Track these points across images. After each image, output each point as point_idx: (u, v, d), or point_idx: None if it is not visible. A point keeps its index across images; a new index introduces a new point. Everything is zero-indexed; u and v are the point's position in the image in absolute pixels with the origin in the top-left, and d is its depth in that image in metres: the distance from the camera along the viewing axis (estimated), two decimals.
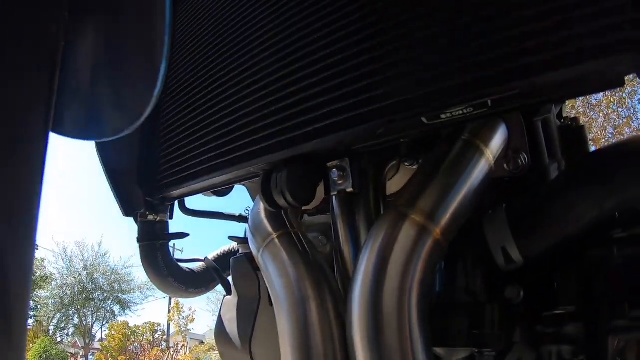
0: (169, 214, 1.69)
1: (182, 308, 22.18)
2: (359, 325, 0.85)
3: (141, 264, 1.69)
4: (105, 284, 29.15)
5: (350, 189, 1.01)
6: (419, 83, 0.83)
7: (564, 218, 0.97)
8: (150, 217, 1.61)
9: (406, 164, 1.22)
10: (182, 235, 1.75)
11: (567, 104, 1.33)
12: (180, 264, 1.79)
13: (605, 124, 11.62)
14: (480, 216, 1.08)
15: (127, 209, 1.59)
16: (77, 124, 0.88)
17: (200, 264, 1.88)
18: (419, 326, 0.85)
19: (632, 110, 11.72)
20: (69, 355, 27.79)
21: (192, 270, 1.83)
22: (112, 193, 1.60)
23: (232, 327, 1.57)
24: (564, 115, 1.38)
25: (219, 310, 1.68)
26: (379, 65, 0.88)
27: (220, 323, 1.63)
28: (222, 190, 1.85)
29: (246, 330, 1.50)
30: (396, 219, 0.90)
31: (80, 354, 29.29)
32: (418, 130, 0.92)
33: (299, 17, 1.02)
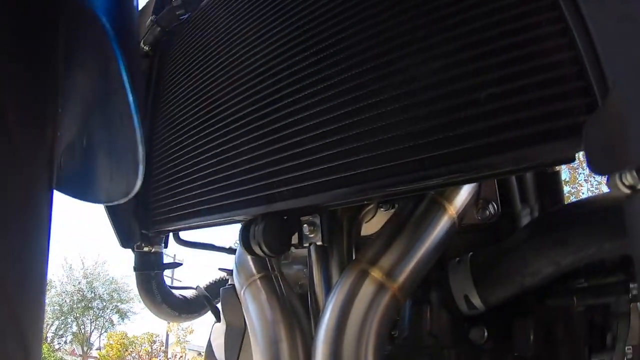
0: (163, 244, 1.79)
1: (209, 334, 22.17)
2: None
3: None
4: (105, 292, 29.17)
5: (319, 242, 1.09)
6: (385, 156, 0.84)
7: (520, 272, 1.04)
8: (146, 249, 1.72)
9: (382, 208, 1.28)
10: (175, 265, 1.87)
11: None
12: (173, 291, 1.90)
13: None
14: (447, 263, 1.16)
15: (124, 241, 1.67)
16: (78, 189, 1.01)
17: (193, 291, 1.99)
18: None
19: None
20: None
21: (184, 297, 1.94)
22: (110, 226, 1.70)
23: (220, 353, 1.68)
24: None
25: (209, 335, 1.79)
26: (350, 134, 0.90)
27: (209, 348, 1.75)
28: None
29: (232, 356, 1.61)
30: (358, 275, 1.00)
31: None
32: (380, 194, 0.94)
33: (280, 84, 1.06)
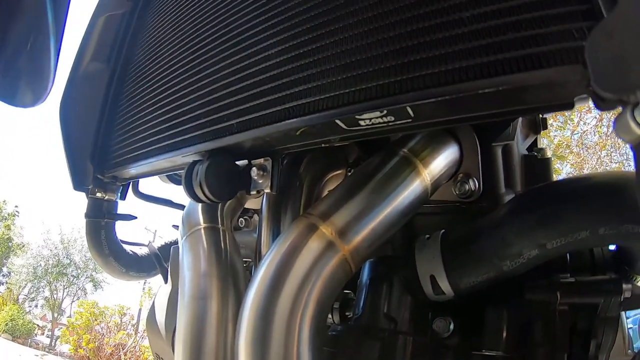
0: (118, 194, 1.68)
1: (154, 294, 22.02)
2: (245, 330, 0.80)
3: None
4: (80, 260, 29.00)
5: (267, 190, 0.97)
6: (333, 84, 0.79)
7: (499, 254, 0.88)
8: (99, 195, 1.60)
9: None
10: (129, 218, 1.74)
11: (554, 141, 1.26)
12: (125, 246, 1.78)
13: (597, 167, 11.64)
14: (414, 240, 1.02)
15: (77, 183, 1.58)
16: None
17: (146, 249, 1.86)
18: (308, 346, 0.80)
19: (625, 157, 11.75)
20: (36, 327, 27.57)
21: (135, 254, 1.81)
22: (66, 165, 1.60)
23: (160, 316, 1.55)
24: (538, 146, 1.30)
25: (153, 297, 1.67)
26: (297, 65, 0.85)
27: (152, 310, 1.62)
28: (178, 179, 1.86)
29: (172, 321, 1.48)
30: (305, 229, 0.85)
31: (48, 328, 29.07)
32: (338, 135, 0.87)
33: (230, 14, 1.02)
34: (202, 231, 1.11)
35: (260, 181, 0.98)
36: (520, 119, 1.11)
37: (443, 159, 0.97)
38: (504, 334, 0.94)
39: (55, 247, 28.60)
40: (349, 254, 0.84)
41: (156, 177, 1.85)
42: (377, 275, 1.04)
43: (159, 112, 1.21)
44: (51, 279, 28.50)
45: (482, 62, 0.63)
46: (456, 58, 0.65)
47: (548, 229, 0.83)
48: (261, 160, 0.99)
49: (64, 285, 29.34)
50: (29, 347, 24.86)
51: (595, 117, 11.22)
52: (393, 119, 0.76)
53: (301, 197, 1.13)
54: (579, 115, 10.89)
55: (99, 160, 1.56)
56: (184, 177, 1.01)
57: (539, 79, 0.59)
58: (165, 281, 1.65)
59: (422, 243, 0.99)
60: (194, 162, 1.02)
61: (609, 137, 11.41)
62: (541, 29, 0.59)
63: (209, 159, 0.98)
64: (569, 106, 0.63)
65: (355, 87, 0.76)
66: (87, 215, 1.64)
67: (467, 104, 0.70)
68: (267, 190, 0.97)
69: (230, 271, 1.05)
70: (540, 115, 1.28)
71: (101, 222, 1.64)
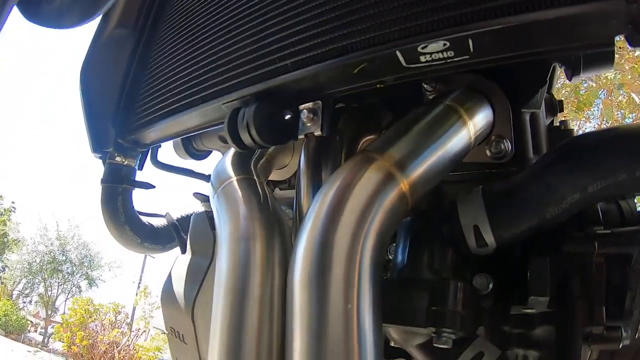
0: (137, 161, 1.63)
1: (149, 293, 21.91)
2: (301, 264, 0.76)
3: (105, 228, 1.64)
4: (76, 257, 28.90)
5: (318, 132, 0.94)
6: (397, 20, 0.79)
7: (542, 200, 0.89)
8: (118, 159, 1.55)
9: None
10: (147, 186, 1.68)
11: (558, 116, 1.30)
12: (141, 217, 1.73)
13: None
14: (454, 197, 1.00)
15: (97, 146, 1.54)
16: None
17: (162, 221, 1.80)
18: (369, 279, 0.75)
19: None
20: (29, 323, 27.44)
21: (151, 225, 1.75)
22: (85, 128, 1.55)
23: (179, 287, 1.49)
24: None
25: (171, 267, 1.61)
26: (361, 4, 0.84)
27: (168, 281, 1.55)
28: (198, 153, 1.80)
29: (192, 290, 1.42)
30: (362, 162, 0.82)
31: (41, 325, 28.94)
32: (396, 75, 0.86)
33: None
34: (236, 182, 1.04)
35: (309, 124, 0.95)
36: (544, 92, 1.13)
37: (482, 116, 0.99)
38: (549, 285, 0.91)
39: (51, 243, 28.48)
40: (408, 188, 0.81)
41: (173, 153, 1.80)
42: (417, 230, 1.02)
43: (195, 64, 1.17)
44: (46, 276, 28.36)
45: None
46: None
47: (589, 172, 0.86)
48: (310, 104, 0.96)
49: (58, 282, 29.20)
50: (22, 343, 24.70)
51: (595, 127, 11.26)
52: (453, 54, 0.77)
53: (342, 152, 1.09)
54: (577, 124, 10.88)
55: (121, 123, 1.52)
56: (228, 122, 0.97)
57: (587, 10, 0.65)
58: (183, 251, 1.59)
59: (463, 197, 0.98)
60: (237, 108, 0.98)
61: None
62: None
63: (255, 102, 0.94)
64: (610, 44, 0.70)
65: (421, 20, 0.77)
66: (104, 181, 1.59)
67: (522, 39, 0.75)
68: (318, 133, 0.94)
69: (273, 215, 0.98)
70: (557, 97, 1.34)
71: (119, 188, 1.59)
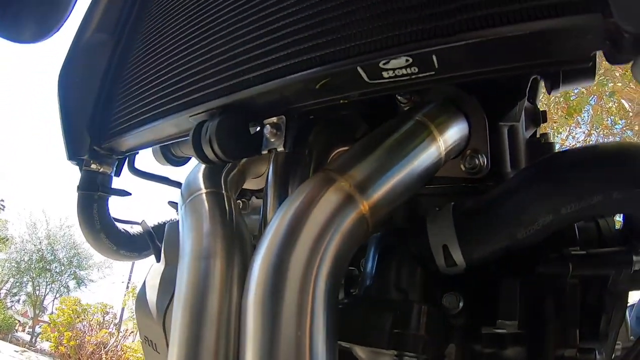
0: (114, 169, 1.62)
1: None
2: (256, 285, 0.74)
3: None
4: (65, 257, 28.70)
5: (281, 148, 0.93)
6: (359, 34, 0.78)
7: (513, 221, 0.87)
8: (94, 167, 1.54)
9: None
10: (124, 193, 1.68)
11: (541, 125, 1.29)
12: (117, 223, 1.72)
13: None
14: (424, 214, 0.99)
15: (72, 153, 1.53)
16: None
17: (138, 228, 1.79)
18: (323, 305, 0.74)
19: None
20: (17, 322, 27.23)
21: (127, 232, 1.74)
22: (61, 134, 1.54)
23: (152, 296, 1.48)
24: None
25: (145, 276, 1.60)
26: (322, 17, 0.82)
27: (142, 290, 1.55)
28: (177, 160, 1.80)
29: (164, 299, 1.42)
30: (322, 182, 0.80)
31: (29, 324, 28.72)
32: (359, 90, 0.84)
33: None
34: (204, 195, 1.04)
35: (272, 140, 0.94)
36: (524, 105, 1.11)
37: (455, 131, 0.96)
38: (517, 309, 0.90)
39: (40, 242, 28.28)
40: (368, 211, 0.79)
41: (152, 158, 1.80)
42: (386, 246, 1.00)
43: (167, 74, 1.16)
44: (34, 274, 28.16)
45: (506, 10, 0.65)
46: (481, 6, 0.67)
47: (563, 194, 0.83)
48: (274, 119, 0.95)
49: (46, 282, 28.99)
50: (9, 342, 24.51)
51: (584, 133, 11.36)
52: (417, 70, 0.75)
53: (310, 165, 1.08)
54: (567, 129, 10.93)
55: (97, 130, 1.50)
56: (192, 136, 0.96)
57: (560, 25, 0.62)
58: (158, 260, 1.58)
59: (433, 214, 0.96)
60: (203, 121, 0.98)
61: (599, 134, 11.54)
62: None
63: (220, 115, 0.94)
64: (587, 60, 0.67)
65: (381, 35, 0.75)
66: (79, 188, 1.58)
67: (490, 55, 0.72)
68: (280, 149, 0.93)
69: (236, 232, 0.97)
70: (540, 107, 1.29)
71: (94, 195, 1.58)
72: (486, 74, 0.76)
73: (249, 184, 1.53)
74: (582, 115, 10.90)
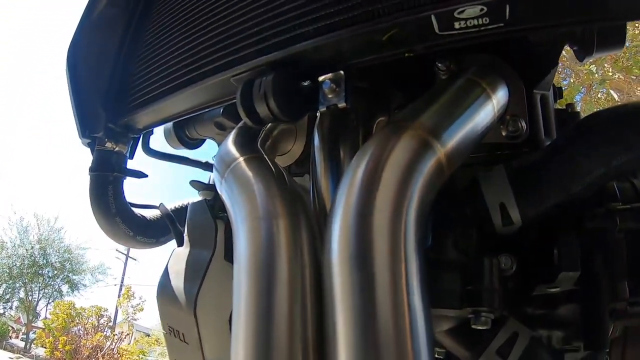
0: (129, 148, 1.52)
1: (132, 295, 21.64)
2: (339, 243, 0.68)
3: (93, 217, 1.52)
4: (57, 261, 28.44)
5: (342, 104, 0.86)
6: None
7: (568, 175, 0.90)
8: (108, 145, 1.43)
9: None
10: (140, 174, 1.57)
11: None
12: (133, 208, 1.61)
13: None
14: (475, 175, 0.99)
15: (85, 130, 1.43)
16: None
17: (155, 212, 1.68)
18: (416, 256, 0.68)
19: None
20: (10, 329, 26.99)
21: (144, 217, 1.64)
22: (72, 112, 1.44)
23: (178, 282, 1.38)
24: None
25: (166, 262, 1.50)
26: None
27: (165, 277, 1.44)
28: (191, 142, 1.70)
29: (193, 286, 1.31)
30: (393, 131, 0.76)
31: (22, 331, 28.49)
32: (427, 42, 0.80)
33: None
34: (244, 163, 0.94)
35: (331, 96, 0.87)
36: (555, 73, 1.14)
37: (502, 93, 0.96)
38: (579, 260, 0.91)
39: (32, 247, 27.99)
40: (445, 158, 0.76)
41: (164, 142, 1.70)
42: (441, 209, 0.97)
43: (197, 33, 1.08)
44: (27, 280, 27.87)
45: None
46: None
47: (612, 146, 0.88)
48: (330, 75, 0.88)
49: (39, 287, 28.73)
50: (3, 349, 24.26)
51: None
52: (488, 20, 0.74)
53: (358, 130, 1.03)
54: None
55: (112, 105, 1.41)
56: (241, 95, 0.89)
57: None
58: (180, 244, 1.48)
59: (486, 175, 0.97)
60: (251, 80, 0.90)
61: None
62: None
63: (273, 70, 0.87)
64: None
65: None
66: (92, 169, 1.47)
67: (556, 8, 0.73)
68: (342, 104, 0.86)
69: (295, 191, 0.88)
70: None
71: (109, 176, 1.48)
72: (551, 27, 0.81)
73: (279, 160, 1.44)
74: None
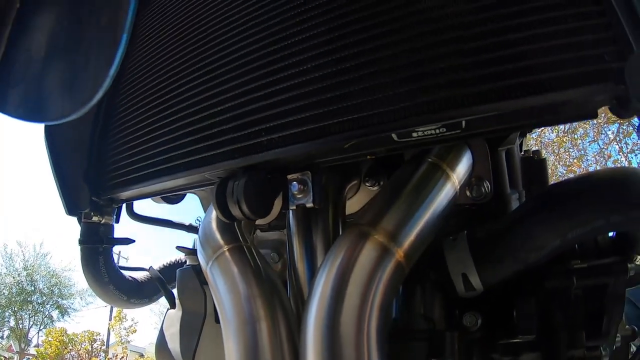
0: (114, 217, 1.57)
1: (124, 317, 21.52)
2: (313, 350, 0.79)
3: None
4: (45, 287, 28.12)
5: (310, 204, 0.95)
6: (394, 97, 0.80)
7: (525, 247, 0.96)
8: (95, 219, 1.49)
9: (367, 184, 1.21)
10: (127, 241, 1.64)
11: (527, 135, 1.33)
12: (123, 272, 1.67)
13: (557, 163, 12.11)
14: (439, 242, 1.05)
15: (71, 207, 1.47)
16: (23, 104, 0.86)
17: (145, 273, 1.75)
18: (378, 354, 0.79)
19: (583, 151, 12.32)
20: (3, 358, 26.65)
21: (135, 280, 1.70)
22: (56, 189, 1.48)
23: (174, 343, 1.46)
24: (525, 148, 1.39)
25: (161, 323, 1.57)
26: (352, 76, 0.84)
27: (161, 337, 1.52)
28: (173, 198, 1.76)
29: (189, 347, 1.40)
30: (357, 238, 0.85)
31: (15, 359, 28.14)
32: (386, 147, 0.89)
33: (268, 22, 0.97)
34: (228, 253, 1.04)
35: (299, 196, 0.96)
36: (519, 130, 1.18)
37: (464, 164, 1.02)
38: (532, 321, 0.99)
39: (19, 274, 27.67)
40: (403, 257, 0.85)
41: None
42: (409, 279, 1.03)
43: (171, 126, 1.12)
44: (16, 308, 27.55)
45: (533, 80, 0.71)
46: (510, 76, 0.72)
47: (568, 221, 0.93)
48: (298, 175, 0.97)
49: (29, 314, 28.41)
50: None
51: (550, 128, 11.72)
52: (445, 130, 0.81)
53: (329, 210, 1.10)
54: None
55: (94, 181, 1.45)
56: (215, 195, 0.96)
57: (579, 94, 0.69)
58: (172, 306, 1.55)
59: (450, 244, 1.03)
60: (225, 179, 0.97)
61: (566, 134, 11.90)
62: (579, 52, 0.68)
63: (245, 174, 0.94)
64: (594, 116, 0.75)
65: (414, 100, 0.78)
66: (82, 242, 1.53)
67: (511, 117, 0.79)
68: (310, 205, 0.95)
69: (272, 288, 0.99)
70: None
71: (99, 248, 1.54)
72: (505, 131, 0.87)
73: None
74: None
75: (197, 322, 1.42)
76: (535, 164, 1.28)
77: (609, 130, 12.04)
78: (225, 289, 0.99)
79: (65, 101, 0.81)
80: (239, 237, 1.08)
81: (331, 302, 0.80)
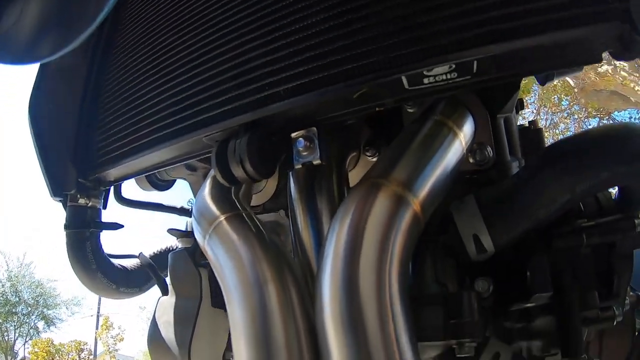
0: (102, 201, 1.49)
1: (111, 326, 21.27)
2: (331, 309, 0.73)
3: (72, 269, 1.49)
4: (30, 297, 27.72)
5: (317, 161, 0.89)
6: (404, 43, 0.79)
7: (535, 203, 0.96)
8: (82, 201, 1.40)
9: (367, 154, 1.19)
10: (115, 226, 1.55)
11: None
12: (112, 259, 1.58)
13: None
14: (447, 207, 1.04)
15: (56, 189, 1.39)
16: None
17: (135, 261, 1.66)
18: (401, 309, 0.74)
19: None
20: None
21: (124, 267, 1.61)
22: (40, 170, 1.39)
23: (168, 331, 1.38)
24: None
25: (153, 312, 1.48)
26: (361, 25, 0.82)
27: (154, 327, 1.43)
28: (162, 184, 1.68)
29: (184, 334, 1.32)
30: (369, 190, 0.81)
31: None
32: (396, 97, 0.85)
33: None
34: (225, 222, 0.97)
35: (305, 153, 0.90)
36: (517, 96, 1.19)
37: (468, 126, 1.02)
38: (550, 281, 0.99)
39: (2, 285, 27.28)
40: (420, 208, 0.81)
41: (134, 185, 1.67)
42: (419, 244, 0.99)
43: (164, 92, 1.07)
44: (1, 320, 27.16)
45: (539, 20, 0.72)
46: (518, 17, 0.75)
47: (575, 175, 0.93)
48: (303, 132, 0.91)
49: (14, 326, 28.01)
50: None
51: (533, 112, 11.95)
52: (456, 75, 0.80)
53: (331, 175, 1.07)
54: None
55: (82, 159, 1.37)
56: (216, 156, 0.91)
57: (584, 34, 0.72)
58: (165, 292, 1.46)
59: (458, 207, 1.03)
60: (225, 140, 0.92)
61: (547, 130, 12.09)
62: None
63: (247, 132, 0.88)
64: (599, 59, 0.75)
65: (426, 44, 0.79)
66: (68, 227, 1.44)
67: (518, 60, 0.79)
68: (317, 161, 0.89)
69: (278, 252, 0.92)
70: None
71: (86, 232, 1.45)
72: (514, 76, 0.88)
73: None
74: (530, 96, 11.55)
75: (192, 307, 1.34)
76: (533, 133, 1.31)
77: (589, 124, 12.28)
78: (226, 257, 0.91)
79: (62, 29, 0.76)
80: (237, 206, 1.01)
81: (347, 256, 0.74)
